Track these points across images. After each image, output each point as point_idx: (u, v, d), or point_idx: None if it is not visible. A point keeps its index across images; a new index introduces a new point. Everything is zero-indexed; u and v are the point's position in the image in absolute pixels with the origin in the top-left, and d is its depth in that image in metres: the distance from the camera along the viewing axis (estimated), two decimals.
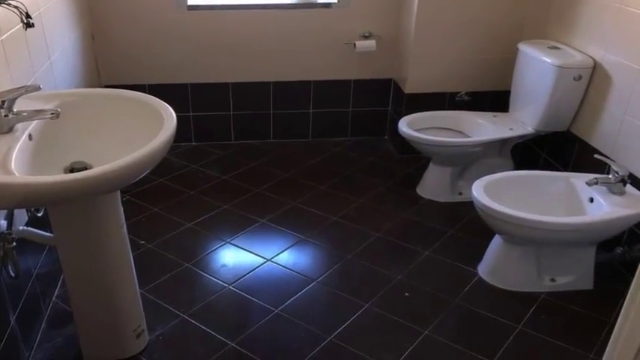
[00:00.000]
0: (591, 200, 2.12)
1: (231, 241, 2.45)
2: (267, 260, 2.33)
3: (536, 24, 2.92)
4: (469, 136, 2.79)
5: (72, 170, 1.48)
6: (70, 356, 1.82)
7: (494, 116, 2.87)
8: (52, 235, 1.61)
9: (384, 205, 2.79)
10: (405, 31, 3.11)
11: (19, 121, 1.42)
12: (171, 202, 2.74)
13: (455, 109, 3.03)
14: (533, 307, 2.09)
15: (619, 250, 2.20)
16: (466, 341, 1.92)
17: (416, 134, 2.67)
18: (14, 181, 1.18)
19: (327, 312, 2.07)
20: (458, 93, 3.14)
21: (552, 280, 2.17)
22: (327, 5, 3.13)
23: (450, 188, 2.79)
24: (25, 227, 1.73)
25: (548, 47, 2.63)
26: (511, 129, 2.72)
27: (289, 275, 2.25)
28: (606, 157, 2.26)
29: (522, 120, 2.76)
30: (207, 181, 2.95)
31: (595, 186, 2.10)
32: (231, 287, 2.16)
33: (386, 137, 3.52)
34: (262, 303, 2.08)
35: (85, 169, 1.47)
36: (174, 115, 1.56)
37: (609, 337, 0.87)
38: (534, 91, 2.65)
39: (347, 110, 3.42)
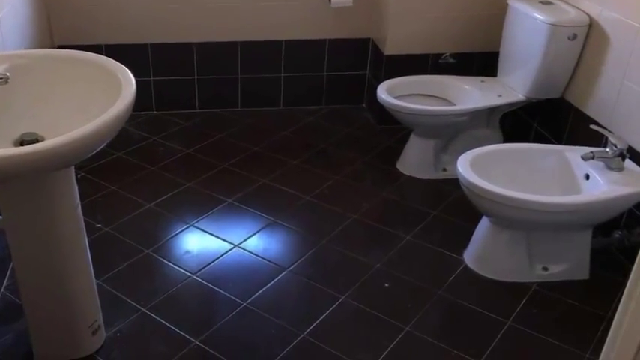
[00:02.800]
0: (587, 177, 1.95)
1: (196, 224, 2.26)
2: (235, 246, 2.15)
3: None
4: (454, 104, 2.58)
5: (22, 143, 1.35)
6: (20, 355, 1.66)
7: (482, 81, 2.65)
8: None
9: (362, 183, 2.61)
10: None
11: None
12: (130, 179, 2.53)
13: (439, 73, 2.81)
14: (524, 300, 1.95)
15: (617, 234, 2.04)
16: (450, 338, 1.78)
17: (396, 102, 2.46)
18: None
19: (300, 305, 1.92)
20: (442, 55, 2.91)
21: (545, 268, 2.02)
22: None
23: (433, 164, 2.60)
24: None
25: (540, 2, 2.42)
26: (500, 95, 2.51)
27: (258, 263, 2.07)
28: (603, 127, 2.08)
29: (512, 85, 2.55)
30: (169, 156, 2.72)
31: (591, 161, 1.93)
32: (195, 277, 1.99)
33: (364, 105, 3.30)
34: (229, 295, 1.91)
35: (37, 141, 1.33)
36: (133, 79, 1.42)
37: (607, 334, 0.80)
38: (525, 53, 2.44)
39: (321, 74, 3.18)
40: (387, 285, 2.00)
